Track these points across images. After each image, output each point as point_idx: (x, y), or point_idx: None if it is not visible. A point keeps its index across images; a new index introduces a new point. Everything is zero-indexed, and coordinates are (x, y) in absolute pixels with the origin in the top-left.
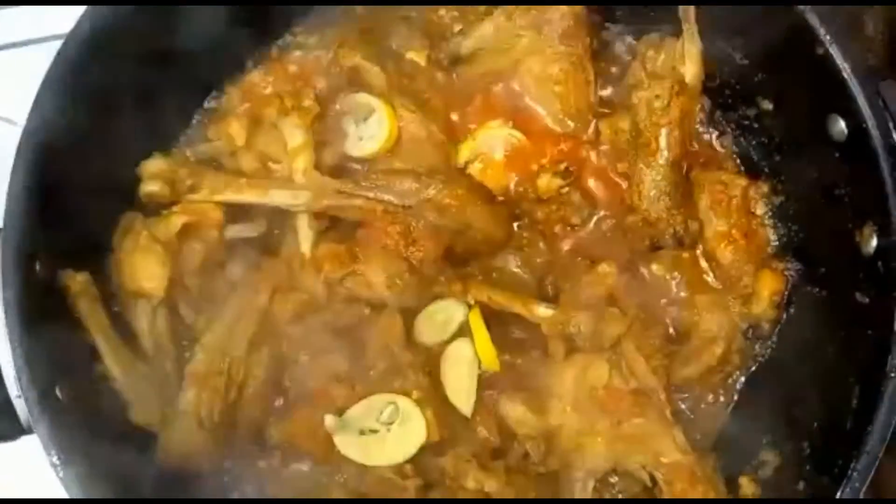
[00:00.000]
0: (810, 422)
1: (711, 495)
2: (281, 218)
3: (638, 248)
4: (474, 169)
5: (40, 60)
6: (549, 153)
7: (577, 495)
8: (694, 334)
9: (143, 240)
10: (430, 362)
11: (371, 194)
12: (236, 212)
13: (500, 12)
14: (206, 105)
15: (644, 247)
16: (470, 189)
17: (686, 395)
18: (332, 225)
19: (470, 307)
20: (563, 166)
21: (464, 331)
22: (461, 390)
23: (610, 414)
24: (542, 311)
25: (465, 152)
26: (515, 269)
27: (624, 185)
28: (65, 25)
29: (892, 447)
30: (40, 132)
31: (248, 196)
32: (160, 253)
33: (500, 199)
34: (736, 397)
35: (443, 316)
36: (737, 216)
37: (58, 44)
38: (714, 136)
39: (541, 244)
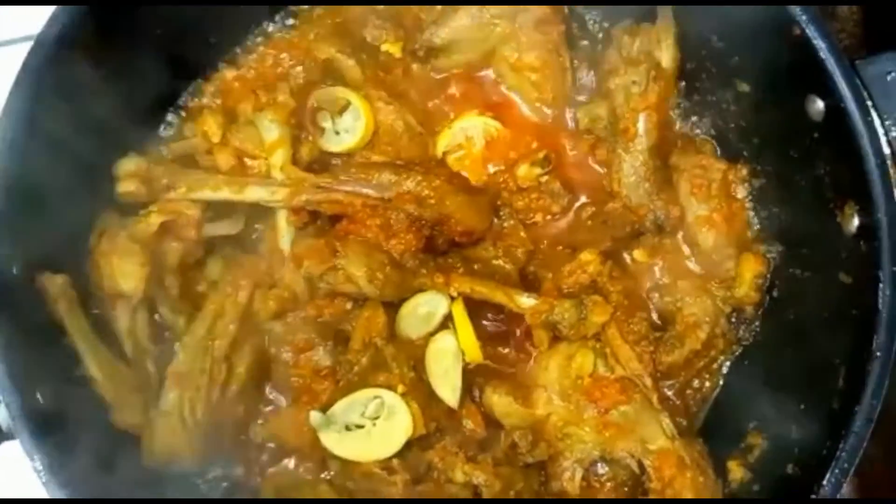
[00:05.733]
0: (797, 404)
1: (700, 480)
2: (260, 214)
3: (619, 235)
4: (452, 159)
5: (13, 61)
6: (528, 142)
7: (566, 485)
8: (678, 320)
9: (121, 240)
10: (414, 356)
11: (350, 188)
12: (214, 209)
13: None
14: (180, 102)
15: (625, 233)
16: (449, 180)
17: (672, 381)
18: (311, 220)
19: (453, 299)
20: (541, 155)
21: (447, 323)
22: (446, 383)
23: (596, 402)
24: (525, 300)
25: (442, 143)
26: (497, 260)
27: (603, 172)
28: (36, 26)
29: (877, 432)
30: (13, 133)
31: (225, 193)
32: (138, 253)
33: (480, 189)
34: (722, 382)
35: (426, 309)
36: (717, 200)
37: (29, 45)
38: (692, 121)
39: (521, 234)
